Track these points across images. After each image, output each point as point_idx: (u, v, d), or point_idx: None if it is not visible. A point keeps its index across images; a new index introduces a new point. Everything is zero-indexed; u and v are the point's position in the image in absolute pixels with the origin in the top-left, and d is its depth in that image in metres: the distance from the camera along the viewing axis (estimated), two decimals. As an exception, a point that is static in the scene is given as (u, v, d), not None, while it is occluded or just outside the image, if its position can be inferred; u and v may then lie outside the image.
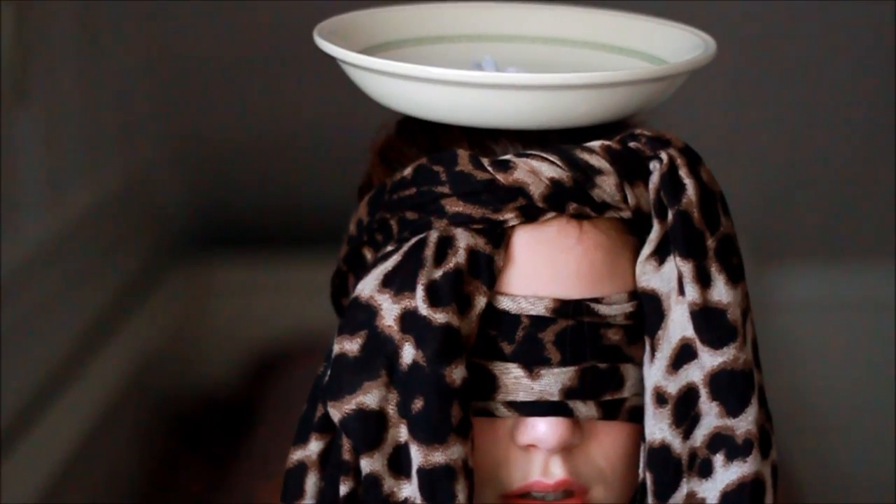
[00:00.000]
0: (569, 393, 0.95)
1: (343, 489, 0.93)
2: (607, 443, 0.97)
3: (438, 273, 0.93)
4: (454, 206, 0.94)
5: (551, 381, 0.94)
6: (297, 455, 0.96)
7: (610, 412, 0.96)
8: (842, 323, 2.59)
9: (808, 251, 2.61)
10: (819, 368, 2.60)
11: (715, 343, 0.94)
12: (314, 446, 0.95)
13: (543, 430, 0.95)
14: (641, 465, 0.96)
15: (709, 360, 0.94)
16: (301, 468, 0.96)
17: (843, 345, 2.60)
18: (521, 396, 0.95)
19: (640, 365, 0.96)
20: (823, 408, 2.60)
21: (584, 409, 0.95)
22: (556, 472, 0.96)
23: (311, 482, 0.95)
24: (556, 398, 0.95)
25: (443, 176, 0.95)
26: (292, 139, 2.51)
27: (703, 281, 0.94)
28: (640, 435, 0.97)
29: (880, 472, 2.53)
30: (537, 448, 0.96)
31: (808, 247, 2.61)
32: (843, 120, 2.54)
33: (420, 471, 0.92)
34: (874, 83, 2.51)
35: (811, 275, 2.61)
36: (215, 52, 2.42)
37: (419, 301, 0.93)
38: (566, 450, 0.96)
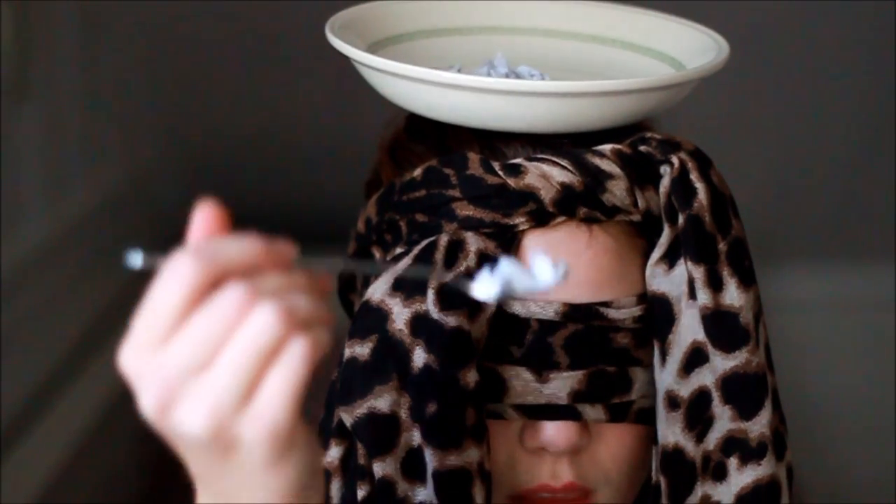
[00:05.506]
0: (577, 396, 0.94)
1: (360, 493, 0.93)
2: (615, 445, 0.97)
3: (449, 276, 0.92)
4: (464, 209, 0.93)
5: (560, 385, 0.94)
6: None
7: (618, 415, 0.96)
8: (842, 323, 2.58)
9: (808, 251, 2.61)
10: (819, 368, 2.60)
11: (727, 347, 0.93)
12: (335, 452, 0.94)
13: (552, 433, 0.94)
14: (654, 468, 0.96)
15: (721, 363, 0.93)
16: (325, 475, 0.94)
17: (843, 345, 2.59)
18: (530, 400, 0.94)
19: (647, 367, 0.96)
20: (823, 407, 2.60)
21: (593, 412, 0.95)
22: (564, 474, 0.96)
23: (336, 488, 0.94)
24: (564, 402, 0.94)
25: (453, 179, 0.94)
26: (294, 139, 2.50)
27: (715, 285, 0.93)
28: (646, 437, 0.97)
29: (880, 472, 2.53)
30: (545, 451, 0.95)
31: (808, 247, 2.61)
32: (843, 120, 2.54)
33: (436, 474, 0.91)
34: (874, 84, 2.51)
35: (811, 275, 2.61)
36: (215, 51, 2.42)
37: (430, 304, 0.92)
38: (574, 452, 0.96)
